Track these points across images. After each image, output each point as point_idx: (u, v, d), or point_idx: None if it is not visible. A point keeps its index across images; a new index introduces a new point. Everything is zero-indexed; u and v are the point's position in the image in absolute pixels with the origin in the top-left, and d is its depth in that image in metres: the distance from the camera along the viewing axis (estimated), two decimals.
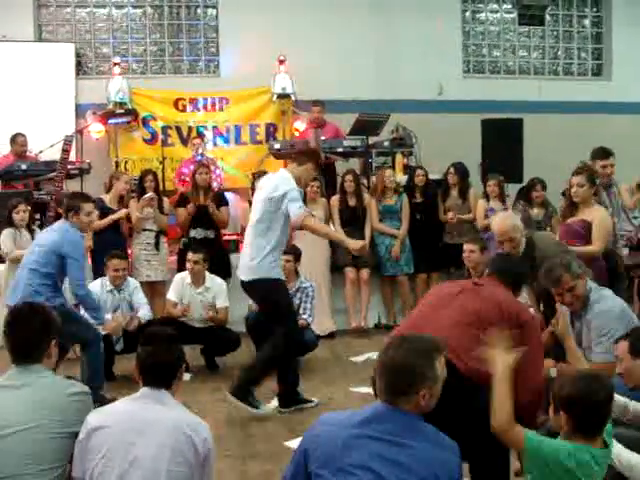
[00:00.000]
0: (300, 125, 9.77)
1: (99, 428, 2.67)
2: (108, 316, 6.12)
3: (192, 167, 8.24)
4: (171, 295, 6.65)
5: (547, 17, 12.07)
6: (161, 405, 2.73)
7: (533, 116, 10.12)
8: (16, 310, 3.09)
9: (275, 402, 5.56)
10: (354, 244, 5.28)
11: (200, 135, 9.58)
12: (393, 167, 8.66)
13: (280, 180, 5.30)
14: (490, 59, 12.10)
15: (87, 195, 5.79)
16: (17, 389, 2.79)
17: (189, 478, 2.64)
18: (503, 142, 8.88)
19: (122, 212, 7.45)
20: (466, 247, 6.50)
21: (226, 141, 10.38)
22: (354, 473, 2.36)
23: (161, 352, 2.81)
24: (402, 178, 8.51)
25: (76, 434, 2.76)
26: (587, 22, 12.36)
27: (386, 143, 9.06)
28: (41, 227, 7.56)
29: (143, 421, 2.67)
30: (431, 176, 8.44)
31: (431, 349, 2.52)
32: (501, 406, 2.83)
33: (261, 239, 5.23)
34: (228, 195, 8.38)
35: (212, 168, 8.54)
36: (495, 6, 12.11)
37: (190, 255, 6.60)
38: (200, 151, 8.84)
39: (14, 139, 8.97)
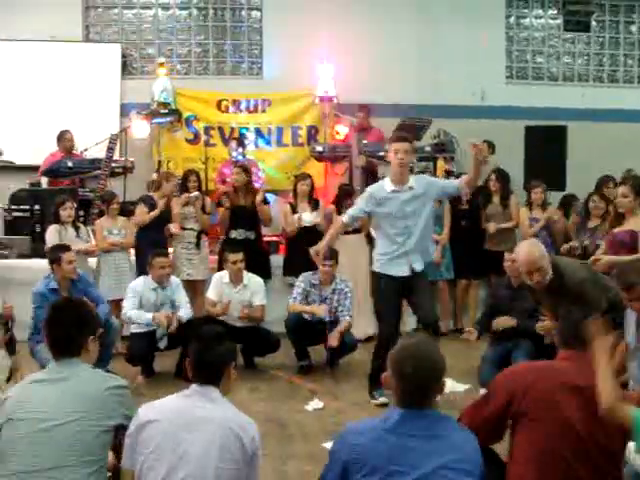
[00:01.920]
0: (342, 128, 9.76)
1: (149, 422, 2.72)
2: (149, 315, 6.22)
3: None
4: (210, 294, 6.72)
5: (593, 23, 11.93)
6: (211, 403, 2.78)
7: (576, 123, 10.03)
8: (55, 306, 3.16)
9: (314, 403, 5.61)
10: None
11: (239, 138, 9.62)
12: (435, 172, 8.63)
13: None
14: (534, 65, 11.99)
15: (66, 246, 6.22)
16: (57, 382, 2.84)
17: (236, 476, 2.68)
18: (546, 149, 8.80)
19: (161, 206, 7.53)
20: (507, 256, 6.47)
21: (268, 143, 10.44)
22: (406, 473, 2.42)
23: (210, 349, 2.86)
24: None
25: (116, 427, 2.83)
26: (634, 28, 12.18)
27: (428, 148, 9.00)
28: (85, 224, 7.67)
29: (193, 417, 2.72)
30: None
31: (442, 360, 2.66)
32: (606, 387, 2.80)
33: None
34: (269, 196, 8.42)
35: (253, 169, 8.60)
36: (540, 12, 12.00)
37: (230, 256, 6.66)
38: (235, 153, 8.86)
39: (61, 136, 9.13)
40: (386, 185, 5.65)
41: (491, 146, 9.74)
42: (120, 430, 2.85)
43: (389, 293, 5.66)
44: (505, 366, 4.33)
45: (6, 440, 2.76)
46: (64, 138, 9.09)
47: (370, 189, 5.81)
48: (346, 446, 2.55)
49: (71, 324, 2.95)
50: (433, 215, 5.89)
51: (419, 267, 5.63)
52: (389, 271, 5.64)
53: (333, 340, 6.42)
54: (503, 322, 6.15)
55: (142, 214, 7.42)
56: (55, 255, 5.97)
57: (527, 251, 4.67)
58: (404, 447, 2.47)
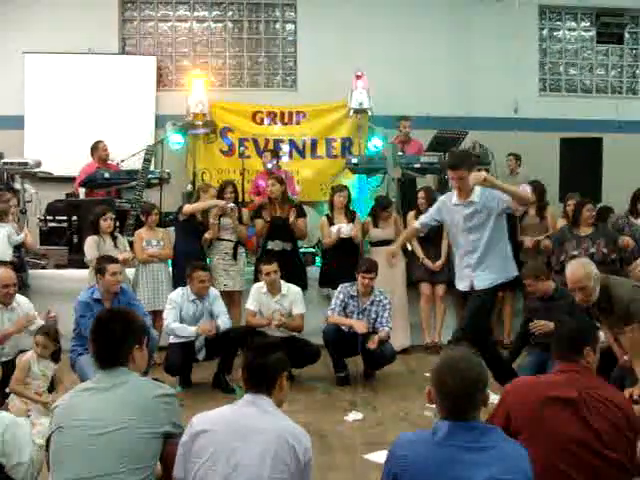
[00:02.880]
0: (378, 142, 9.78)
1: (204, 432, 2.74)
2: (193, 328, 6.26)
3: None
4: (250, 305, 6.74)
5: (626, 35, 11.89)
6: (264, 412, 2.80)
7: (610, 135, 9.99)
8: (101, 315, 3.18)
9: (354, 414, 5.61)
10: None
11: (273, 149, 9.64)
12: None
13: None
14: (567, 77, 11.97)
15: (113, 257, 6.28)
16: (107, 391, 2.86)
17: None
18: (582, 161, 8.76)
19: (215, 202, 7.58)
20: (527, 282, 6.26)
21: (302, 154, 10.49)
22: None
23: (263, 357, 2.89)
24: None
25: (165, 434, 2.84)
26: None
27: None
28: (122, 233, 7.72)
29: (247, 427, 2.73)
30: None
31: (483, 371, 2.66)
32: None
33: None
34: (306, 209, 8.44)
35: (287, 180, 8.62)
36: (573, 24, 11.98)
37: (263, 267, 6.69)
38: (269, 166, 8.84)
39: (95, 146, 9.23)
40: (453, 197, 5.74)
41: (518, 158, 9.73)
42: (168, 439, 2.87)
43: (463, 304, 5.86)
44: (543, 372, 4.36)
45: (57, 448, 2.79)
46: (98, 148, 9.19)
47: (442, 197, 5.96)
48: (396, 457, 2.55)
49: (118, 333, 2.98)
50: (504, 230, 5.82)
51: (479, 283, 5.64)
52: (458, 284, 5.85)
53: (372, 344, 6.42)
54: (541, 326, 6.05)
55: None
56: (101, 265, 6.02)
57: (572, 270, 4.73)
58: (453, 459, 2.47)
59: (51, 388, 5.24)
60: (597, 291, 4.63)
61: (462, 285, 5.76)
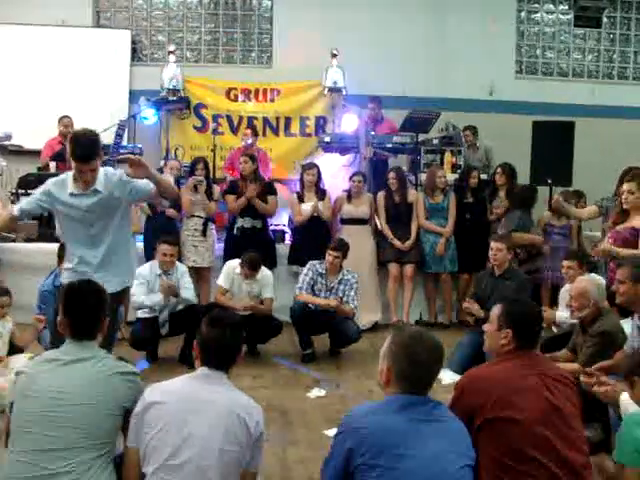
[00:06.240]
0: (350, 119, 9.76)
1: (155, 403, 2.76)
2: (160, 296, 6.26)
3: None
4: (221, 281, 6.73)
5: (604, 19, 11.88)
6: (218, 386, 2.82)
7: (585, 120, 10.01)
8: (73, 287, 3.18)
9: (316, 391, 5.66)
10: None
11: (252, 127, 9.61)
12: (442, 165, 8.65)
13: None
14: (544, 60, 11.98)
15: None
16: (73, 364, 2.88)
17: (240, 458, 2.72)
18: (554, 145, 8.78)
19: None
20: (493, 245, 6.41)
21: (275, 132, 10.47)
22: (413, 456, 2.47)
23: (228, 336, 2.88)
24: (451, 177, 8.49)
25: (126, 411, 2.86)
26: None
27: (435, 141, 9.04)
28: None
29: (199, 400, 2.76)
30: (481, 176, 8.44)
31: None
32: None
33: None
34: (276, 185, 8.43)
35: (261, 158, 8.61)
36: (551, 7, 11.98)
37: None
38: (250, 142, 8.87)
39: (59, 121, 9.12)
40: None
41: (475, 132, 9.71)
42: (129, 414, 2.88)
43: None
44: (479, 354, 4.38)
45: (19, 416, 2.81)
46: (60, 123, 9.09)
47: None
48: (351, 430, 2.57)
49: (93, 306, 3.01)
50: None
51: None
52: None
53: (332, 301, 6.49)
54: (471, 309, 6.14)
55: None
56: (63, 252, 5.84)
57: (577, 282, 5.04)
58: (408, 431, 2.53)
59: (11, 351, 5.26)
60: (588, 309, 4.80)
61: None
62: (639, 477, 2.89)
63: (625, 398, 3.32)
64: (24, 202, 4.55)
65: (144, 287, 6.32)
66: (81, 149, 4.23)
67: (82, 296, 3.05)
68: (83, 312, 2.98)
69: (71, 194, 4.36)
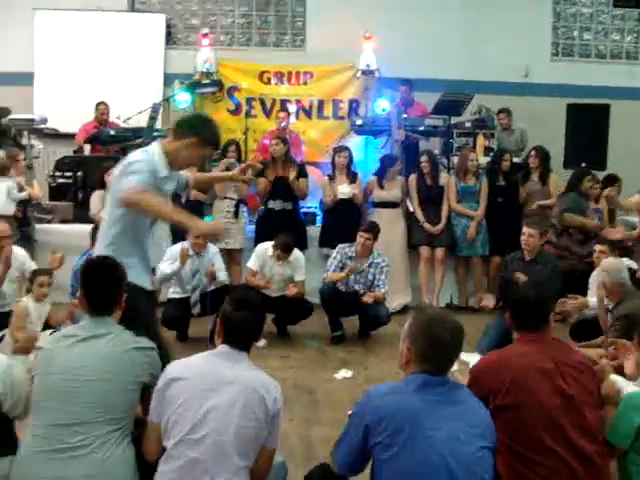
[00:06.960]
0: (384, 102, 9.74)
1: (178, 379, 2.80)
2: (177, 263, 6.37)
3: None
4: (251, 264, 6.78)
5: None
6: (238, 364, 2.86)
7: (621, 102, 9.85)
8: (91, 263, 3.24)
9: (344, 372, 5.70)
10: (201, 227, 3.77)
11: (285, 110, 9.64)
12: (474, 148, 8.60)
13: None
14: (580, 42, 11.78)
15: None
16: (90, 340, 2.92)
17: (257, 433, 2.77)
18: (588, 128, 8.67)
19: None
20: (525, 230, 6.41)
21: (308, 115, 10.48)
22: (429, 436, 2.50)
23: (251, 317, 2.92)
24: (483, 160, 8.44)
25: (143, 386, 2.92)
26: None
27: (468, 124, 8.99)
28: None
29: (219, 376, 2.80)
30: (513, 159, 8.37)
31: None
32: None
33: None
34: (309, 168, 8.46)
35: (293, 141, 8.64)
36: None
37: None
38: (283, 125, 8.90)
39: (95, 107, 9.35)
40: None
41: (509, 114, 9.62)
42: (146, 390, 2.93)
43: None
44: (507, 337, 4.37)
45: (38, 391, 2.87)
46: (96, 109, 9.33)
47: None
48: (370, 409, 2.60)
49: (107, 279, 3.05)
50: None
51: None
52: None
53: (367, 298, 6.51)
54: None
55: None
56: (96, 233, 5.93)
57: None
58: (426, 410, 2.55)
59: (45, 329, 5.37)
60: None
61: None
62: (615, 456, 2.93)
63: (619, 379, 3.25)
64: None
65: (171, 264, 6.42)
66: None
67: (96, 270, 3.10)
68: (98, 286, 3.03)
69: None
